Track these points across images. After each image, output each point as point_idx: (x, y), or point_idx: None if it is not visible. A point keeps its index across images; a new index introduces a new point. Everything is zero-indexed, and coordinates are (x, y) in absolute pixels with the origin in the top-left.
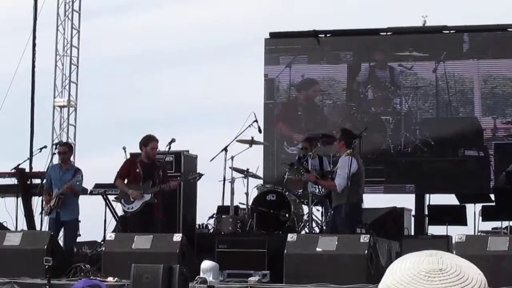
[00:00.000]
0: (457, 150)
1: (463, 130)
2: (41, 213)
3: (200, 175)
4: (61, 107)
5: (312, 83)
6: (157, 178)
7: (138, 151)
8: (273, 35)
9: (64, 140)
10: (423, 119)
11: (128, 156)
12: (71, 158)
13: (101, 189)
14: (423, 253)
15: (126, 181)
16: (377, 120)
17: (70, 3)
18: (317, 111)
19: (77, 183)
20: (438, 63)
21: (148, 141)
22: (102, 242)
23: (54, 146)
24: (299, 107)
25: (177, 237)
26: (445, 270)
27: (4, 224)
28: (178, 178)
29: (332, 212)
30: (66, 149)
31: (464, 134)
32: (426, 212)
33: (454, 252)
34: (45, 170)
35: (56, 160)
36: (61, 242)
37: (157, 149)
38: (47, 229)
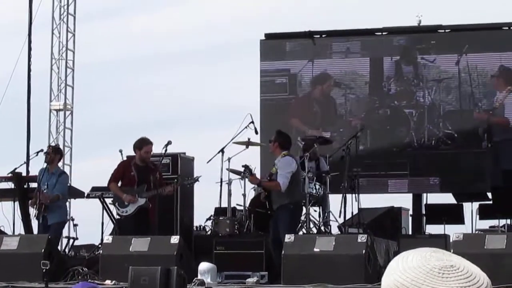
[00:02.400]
0: (480, 142)
1: (486, 122)
2: (34, 216)
3: (196, 180)
4: (57, 110)
5: (326, 77)
6: (153, 182)
7: (133, 153)
8: (268, 36)
9: (61, 143)
10: (446, 112)
11: (125, 159)
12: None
13: (98, 192)
14: (424, 249)
15: (120, 183)
16: (400, 113)
17: (65, 7)
18: (333, 106)
19: (56, 192)
20: (460, 56)
21: (142, 144)
22: (100, 245)
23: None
24: (314, 102)
25: (175, 239)
26: (456, 267)
27: (2, 228)
28: (176, 181)
29: (275, 213)
30: (50, 151)
31: (487, 126)
32: (424, 212)
33: (452, 251)
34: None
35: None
36: None
37: (151, 153)
38: (38, 233)
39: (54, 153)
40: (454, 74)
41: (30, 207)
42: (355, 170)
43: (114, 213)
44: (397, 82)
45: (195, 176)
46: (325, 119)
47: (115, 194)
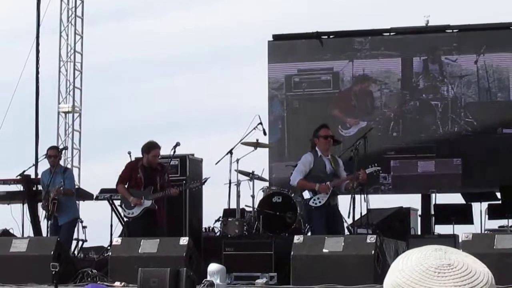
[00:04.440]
0: (496, 129)
1: (501, 111)
2: (45, 218)
3: (202, 182)
4: (65, 113)
5: (366, 78)
6: (160, 183)
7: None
8: (276, 37)
9: (69, 145)
10: (466, 103)
11: (132, 160)
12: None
13: (107, 194)
14: (427, 247)
15: (127, 185)
16: (428, 105)
17: (73, 9)
18: (370, 99)
19: (63, 186)
20: (478, 56)
21: (150, 148)
22: (109, 247)
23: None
24: (353, 96)
25: (184, 240)
26: (454, 266)
27: (11, 230)
28: (184, 183)
29: (332, 210)
30: (56, 153)
31: (501, 115)
32: (433, 212)
33: (461, 251)
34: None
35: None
36: None
37: (159, 156)
38: (47, 235)
39: (59, 154)
40: (473, 71)
41: (43, 209)
42: (390, 153)
43: (123, 215)
44: (424, 78)
45: (203, 178)
46: (362, 111)
47: (122, 195)
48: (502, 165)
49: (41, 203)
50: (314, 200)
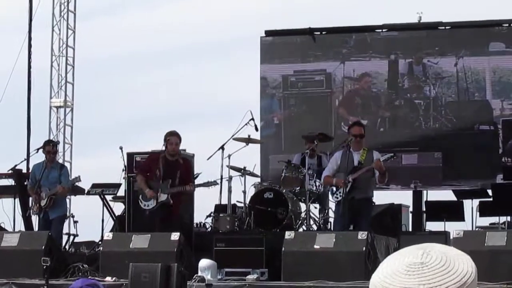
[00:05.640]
0: (473, 125)
1: (477, 110)
2: (30, 212)
3: (214, 182)
4: (57, 107)
5: (365, 75)
6: (179, 178)
7: (134, 150)
8: (269, 33)
9: (61, 140)
10: (447, 102)
11: (125, 156)
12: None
13: (99, 189)
14: (417, 246)
15: (148, 176)
16: (411, 103)
17: (66, 4)
18: (371, 98)
19: (68, 183)
20: (458, 59)
21: (167, 136)
22: (100, 242)
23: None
24: (356, 96)
25: (175, 236)
26: (427, 263)
27: (2, 225)
28: (195, 176)
29: (356, 204)
30: (55, 148)
31: (478, 113)
32: (424, 208)
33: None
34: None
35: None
36: None
37: (178, 145)
38: (36, 229)
39: (57, 149)
40: (453, 73)
41: (34, 203)
42: (377, 147)
43: (115, 210)
44: (409, 79)
45: (213, 179)
46: (365, 110)
47: (139, 187)
48: (479, 158)
49: (32, 196)
50: (336, 195)
